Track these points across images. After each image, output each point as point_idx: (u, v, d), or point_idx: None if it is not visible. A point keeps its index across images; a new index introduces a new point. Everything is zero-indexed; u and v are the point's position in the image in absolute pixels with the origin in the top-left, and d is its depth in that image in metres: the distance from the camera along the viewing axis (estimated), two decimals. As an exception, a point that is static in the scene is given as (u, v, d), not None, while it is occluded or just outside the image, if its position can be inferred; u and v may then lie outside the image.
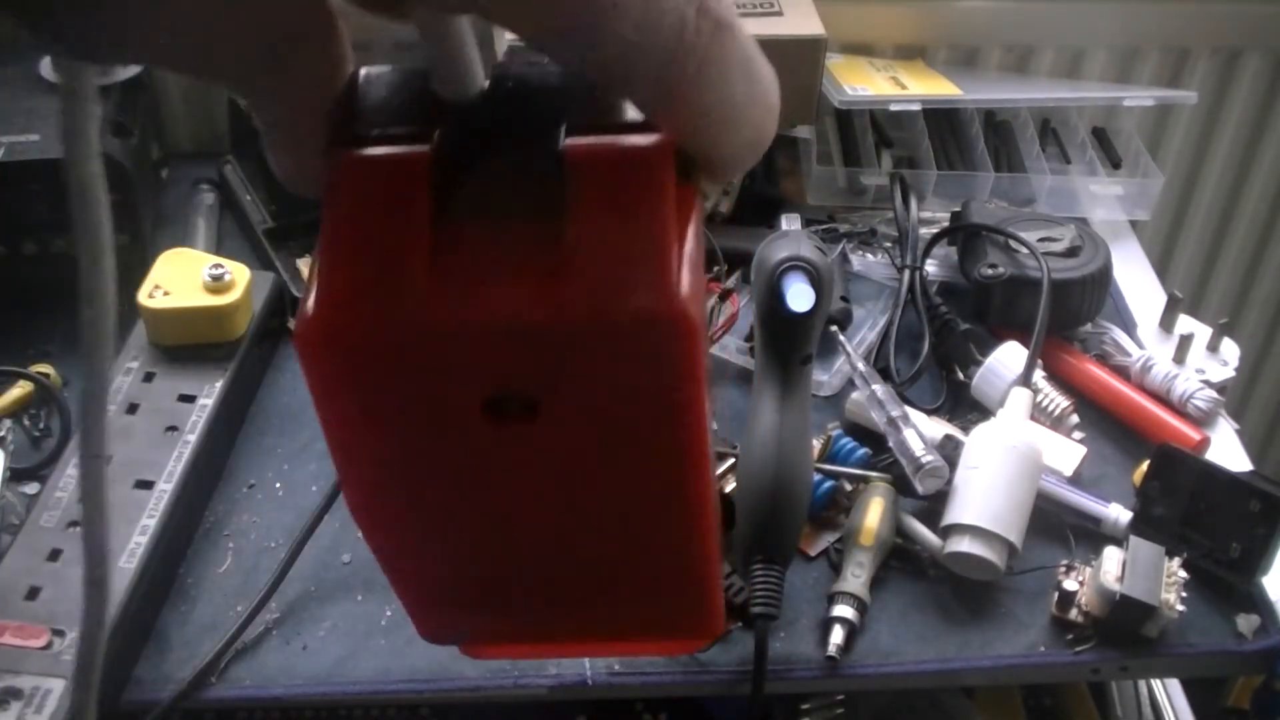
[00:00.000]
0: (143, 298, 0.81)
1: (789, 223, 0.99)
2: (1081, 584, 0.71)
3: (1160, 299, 0.94)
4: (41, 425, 0.82)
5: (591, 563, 0.31)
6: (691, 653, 0.36)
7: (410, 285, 0.25)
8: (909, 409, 0.79)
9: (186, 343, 0.81)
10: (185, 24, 0.24)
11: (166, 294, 0.81)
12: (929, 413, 0.83)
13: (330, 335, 0.25)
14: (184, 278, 0.81)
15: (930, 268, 0.94)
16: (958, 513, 0.72)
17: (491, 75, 0.26)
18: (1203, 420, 0.84)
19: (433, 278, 0.25)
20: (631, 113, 0.25)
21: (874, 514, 0.73)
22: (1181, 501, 0.74)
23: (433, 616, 0.34)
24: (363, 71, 0.27)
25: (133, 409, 0.78)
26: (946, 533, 0.73)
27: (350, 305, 0.25)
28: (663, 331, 0.25)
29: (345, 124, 0.26)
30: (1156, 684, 0.93)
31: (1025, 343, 0.83)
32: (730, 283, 0.91)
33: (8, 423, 0.82)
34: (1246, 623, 0.72)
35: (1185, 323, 0.91)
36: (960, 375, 0.86)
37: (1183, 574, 0.70)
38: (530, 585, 0.32)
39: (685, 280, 0.25)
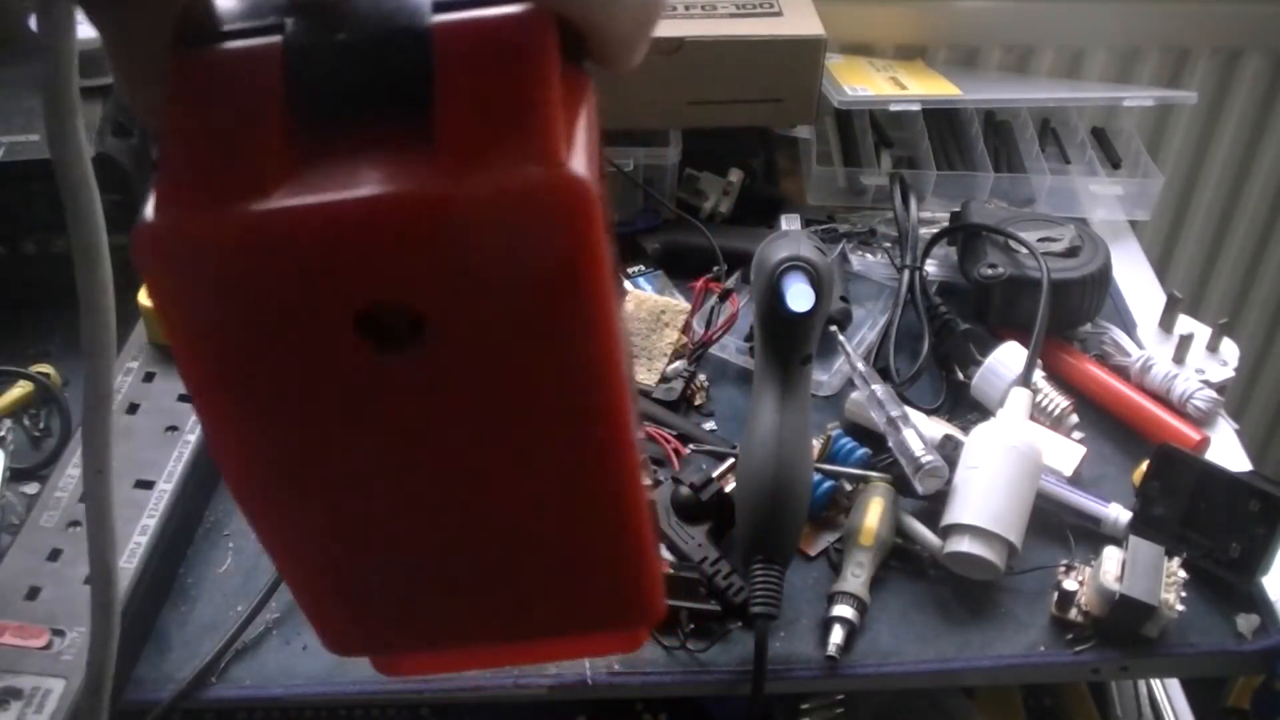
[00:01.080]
0: (143, 298, 0.81)
1: (789, 223, 0.99)
2: (1081, 584, 0.71)
3: (1160, 299, 0.94)
4: (41, 425, 0.82)
5: (503, 531, 0.27)
6: (632, 649, 0.31)
7: (262, 179, 0.22)
8: (909, 409, 0.79)
9: (186, 343, 0.81)
10: None
11: (166, 294, 0.81)
12: (929, 413, 0.83)
13: (172, 239, 0.22)
14: (184, 278, 0.81)
15: (930, 268, 0.94)
16: (957, 513, 0.72)
17: None
18: (1202, 420, 0.84)
19: (287, 170, 0.22)
20: None
21: (874, 514, 0.73)
22: (1181, 501, 0.74)
23: (336, 618, 0.30)
24: None
25: (133, 409, 0.78)
26: (946, 533, 0.73)
27: (193, 205, 0.22)
28: (549, 201, 0.22)
29: (192, 28, 0.24)
30: (1156, 684, 0.93)
31: (1025, 343, 0.83)
32: (730, 283, 0.92)
33: (8, 423, 0.82)
34: (1246, 623, 0.72)
35: (1185, 323, 0.91)
36: (960, 375, 0.86)
37: (1182, 574, 0.70)
38: (438, 567, 0.28)
39: (577, 156, 0.22)
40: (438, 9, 0.23)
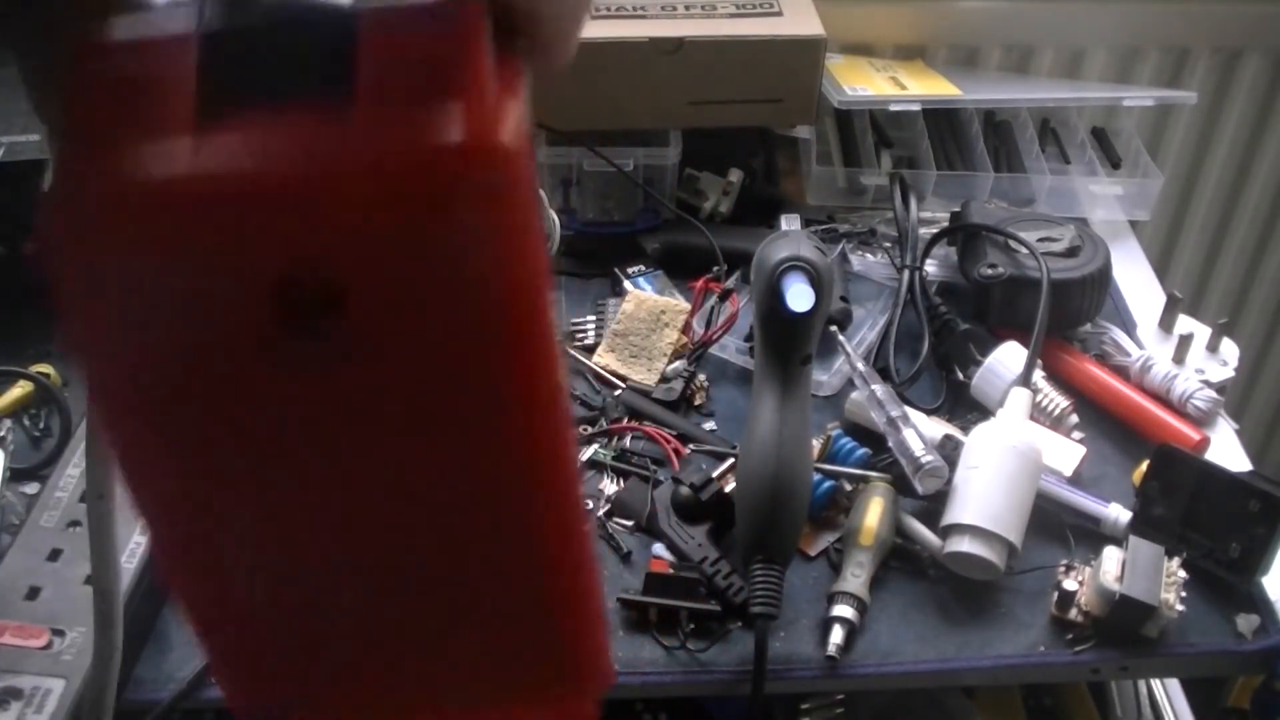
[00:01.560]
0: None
1: (789, 223, 0.99)
2: (1081, 584, 0.71)
3: (1160, 299, 0.94)
4: (41, 425, 0.82)
5: (425, 577, 0.25)
6: None
7: (172, 152, 0.21)
8: (909, 409, 0.79)
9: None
10: None
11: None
12: (929, 413, 0.83)
13: (75, 210, 0.21)
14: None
15: (930, 268, 0.94)
16: (957, 513, 0.72)
17: None
18: (1202, 420, 0.84)
19: (199, 143, 0.21)
20: None
21: (874, 514, 0.73)
22: (1181, 501, 0.74)
23: (244, 676, 0.27)
24: None
25: (133, 409, 0.78)
26: (946, 533, 0.73)
27: (99, 182, 0.21)
28: (474, 165, 0.20)
29: (104, 8, 0.23)
30: (1156, 684, 0.93)
31: (1025, 343, 0.83)
32: (730, 283, 0.92)
33: (8, 423, 0.82)
34: (1246, 623, 0.72)
35: (1185, 323, 0.91)
36: (960, 375, 0.86)
37: (1182, 574, 0.70)
38: (355, 622, 0.25)
39: (506, 128, 0.21)
40: None
